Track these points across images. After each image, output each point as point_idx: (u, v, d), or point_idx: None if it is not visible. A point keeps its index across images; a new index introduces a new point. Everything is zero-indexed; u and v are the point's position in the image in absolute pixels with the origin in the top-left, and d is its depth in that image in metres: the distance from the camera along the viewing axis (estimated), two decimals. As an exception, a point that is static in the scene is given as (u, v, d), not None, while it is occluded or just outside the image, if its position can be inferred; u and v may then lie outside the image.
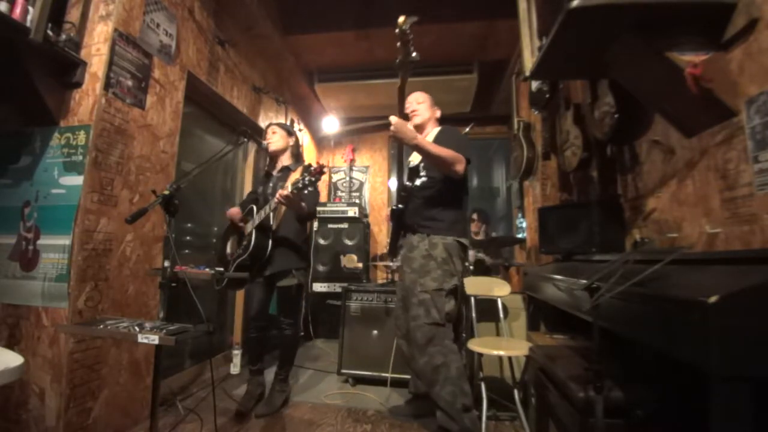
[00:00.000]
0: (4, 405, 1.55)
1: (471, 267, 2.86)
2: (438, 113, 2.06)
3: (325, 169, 1.88)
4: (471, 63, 3.42)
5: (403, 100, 1.66)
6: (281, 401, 2.13)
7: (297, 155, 2.31)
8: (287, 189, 1.84)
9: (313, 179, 1.78)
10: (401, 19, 1.36)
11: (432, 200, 1.82)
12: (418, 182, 1.91)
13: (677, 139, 1.37)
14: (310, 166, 1.82)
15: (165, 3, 2.07)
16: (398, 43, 1.44)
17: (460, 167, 1.74)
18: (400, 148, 1.85)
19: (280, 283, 2.12)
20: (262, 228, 2.04)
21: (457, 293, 1.83)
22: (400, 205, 1.94)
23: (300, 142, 2.47)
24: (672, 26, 1.15)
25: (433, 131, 1.98)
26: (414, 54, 1.47)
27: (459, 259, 1.81)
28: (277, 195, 1.86)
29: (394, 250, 2.06)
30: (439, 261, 1.74)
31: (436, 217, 1.80)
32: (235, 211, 2.17)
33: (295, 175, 2.13)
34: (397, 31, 1.40)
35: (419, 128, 1.95)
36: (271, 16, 2.94)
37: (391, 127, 1.65)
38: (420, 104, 2.00)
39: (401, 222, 1.95)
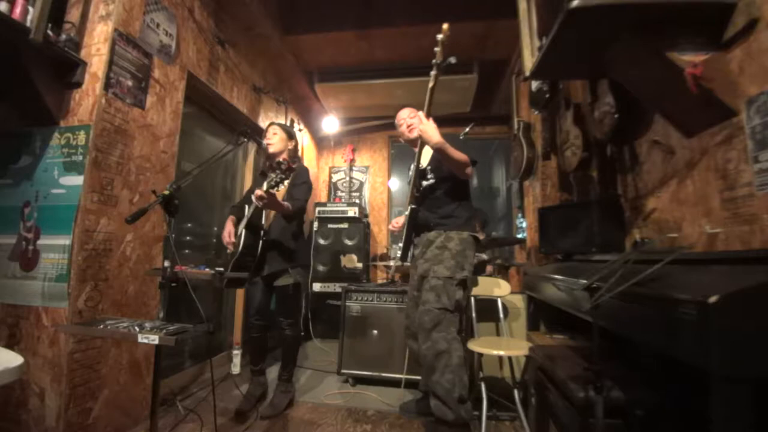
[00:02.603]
0: (4, 405, 1.55)
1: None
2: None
3: (294, 166, 1.85)
4: (471, 63, 3.43)
5: (431, 101, 1.73)
6: (286, 402, 2.12)
7: (293, 157, 2.30)
8: (262, 189, 1.80)
9: (283, 176, 1.76)
10: (446, 26, 1.57)
11: (445, 199, 1.92)
12: (425, 184, 1.97)
13: (677, 139, 1.37)
14: (280, 163, 1.78)
15: (165, 3, 2.07)
16: (437, 48, 1.61)
17: (469, 170, 1.85)
18: (419, 150, 1.91)
19: (277, 282, 2.12)
20: (252, 227, 2.04)
21: (467, 285, 1.88)
22: (413, 206, 1.98)
23: (299, 145, 2.45)
24: (672, 26, 1.15)
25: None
26: (452, 58, 1.65)
27: (472, 253, 1.89)
28: (254, 197, 1.83)
29: (406, 254, 2.08)
30: (454, 252, 1.82)
31: (451, 214, 1.90)
32: (225, 233, 2.10)
33: (287, 180, 2.13)
34: (440, 36, 1.57)
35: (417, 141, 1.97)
36: (271, 16, 2.94)
37: (420, 126, 1.73)
38: (413, 119, 2.04)
39: (415, 222, 1.98)
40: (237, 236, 2.05)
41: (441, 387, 1.64)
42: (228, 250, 2.08)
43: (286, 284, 2.13)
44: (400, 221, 2.10)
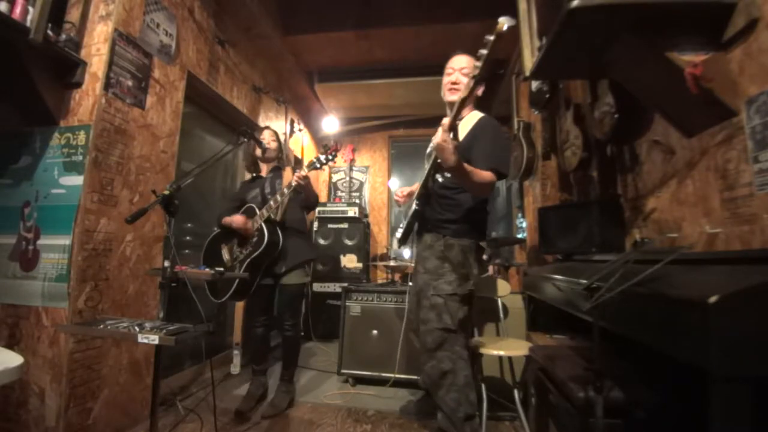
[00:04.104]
0: (4, 405, 1.55)
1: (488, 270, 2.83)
2: (481, 91, 1.75)
3: (340, 148, 1.97)
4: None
5: (459, 113, 1.34)
6: (287, 402, 2.13)
7: (281, 159, 2.36)
8: (304, 170, 1.89)
9: (330, 157, 1.86)
10: (504, 22, 1.10)
11: (453, 200, 1.70)
12: (440, 178, 1.70)
13: (677, 139, 1.37)
14: (326, 145, 1.91)
15: (165, 3, 2.07)
16: (485, 51, 1.18)
17: (487, 194, 1.63)
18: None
19: (287, 280, 2.11)
20: (269, 221, 2.04)
21: (472, 299, 1.72)
22: (417, 207, 1.76)
23: (283, 152, 2.50)
24: (672, 26, 1.15)
25: (470, 117, 1.74)
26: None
27: (476, 262, 1.70)
28: (296, 177, 1.88)
29: (405, 239, 1.92)
30: (455, 264, 1.64)
31: (455, 219, 1.69)
32: (241, 219, 2.07)
33: (287, 173, 2.15)
34: (492, 37, 1.14)
35: (454, 120, 1.63)
36: (271, 16, 2.95)
37: (434, 142, 1.38)
38: (466, 76, 1.65)
39: (417, 218, 1.81)
40: (259, 230, 2.02)
41: (446, 405, 1.59)
42: (246, 249, 2.07)
43: (298, 283, 2.14)
44: (405, 191, 1.89)
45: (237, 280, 1.96)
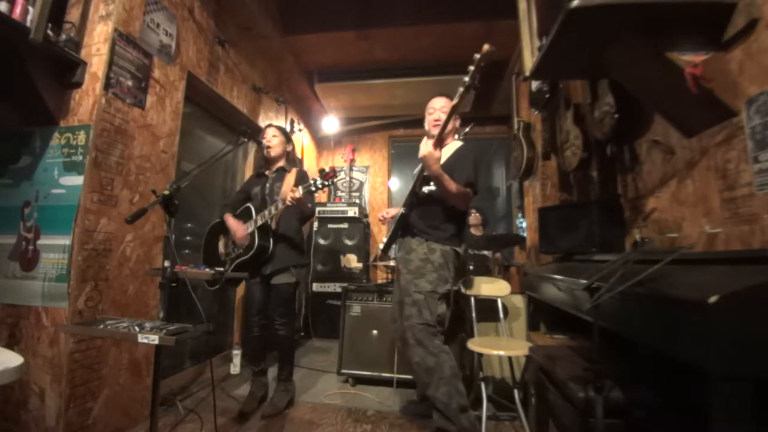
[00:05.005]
0: (4, 405, 1.55)
1: (471, 267, 2.85)
2: (458, 122, 2.07)
3: (338, 172, 1.94)
4: (471, 63, 3.42)
5: (449, 120, 1.67)
6: (286, 401, 2.12)
7: (292, 159, 2.34)
8: (298, 191, 1.86)
9: (326, 183, 1.84)
10: (486, 47, 1.45)
11: (437, 210, 1.87)
12: (426, 190, 1.92)
13: (677, 139, 1.37)
14: (323, 170, 1.87)
15: (165, 3, 2.07)
16: (472, 67, 1.50)
17: (464, 205, 1.84)
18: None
19: (276, 280, 2.11)
20: (263, 228, 2.05)
21: (450, 299, 1.88)
22: (404, 212, 1.95)
23: (294, 147, 2.46)
24: (672, 26, 1.15)
25: (451, 146, 1.95)
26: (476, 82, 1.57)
27: (453, 267, 1.86)
28: (288, 198, 1.87)
29: (388, 248, 2.11)
30: (436, 265, 1.79)
31: (438, 226, 1.85)
32: (240, 229, 2.07)
33: (290, 177, 2.14)
34: (477, 56, 1.46)
35: (438, 140, 1.85)
36: (271, 16, 2.94)
37: (421, 151, 1.70)
38: (445, 114, 1.88)
39: (403, 224, 1.96)
40: (251, 235, 2.04)
41: (438, 401, 1.64)
42: (237, 249, 2.09)
43: (287, 282, 2.13)
44: (391, 212, 2.07)
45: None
